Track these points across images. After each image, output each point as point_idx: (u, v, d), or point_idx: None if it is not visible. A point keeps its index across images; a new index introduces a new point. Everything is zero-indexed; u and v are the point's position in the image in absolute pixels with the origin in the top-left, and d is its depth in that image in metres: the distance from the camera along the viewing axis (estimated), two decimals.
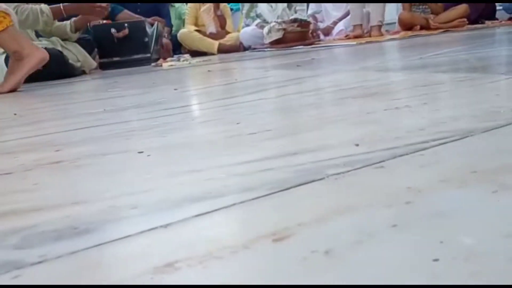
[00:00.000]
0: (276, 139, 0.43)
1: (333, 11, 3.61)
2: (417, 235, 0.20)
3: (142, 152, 0.42)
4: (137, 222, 0.26)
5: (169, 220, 0.25)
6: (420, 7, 3.13)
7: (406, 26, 3.04)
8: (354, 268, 0.18)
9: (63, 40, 2.27)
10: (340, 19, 3.51)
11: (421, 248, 0.19)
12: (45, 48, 2.06)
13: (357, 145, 0.36)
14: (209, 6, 3.39)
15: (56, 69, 1.99)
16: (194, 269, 0.20)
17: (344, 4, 3.53)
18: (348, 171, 0.30)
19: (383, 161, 0.32)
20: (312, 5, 3.78)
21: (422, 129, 0.40)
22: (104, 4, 2.24)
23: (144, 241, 0.23)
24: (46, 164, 0.42)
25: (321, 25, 3.57)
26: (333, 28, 3.53)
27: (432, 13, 3.09)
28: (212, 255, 0.21)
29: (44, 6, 2.09)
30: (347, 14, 3.46)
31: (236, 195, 0.28)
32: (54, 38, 2.25)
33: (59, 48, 2.15)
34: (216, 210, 0.26)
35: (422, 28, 2.99)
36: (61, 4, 2.16)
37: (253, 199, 0.27)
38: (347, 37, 3.03)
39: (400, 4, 3.28)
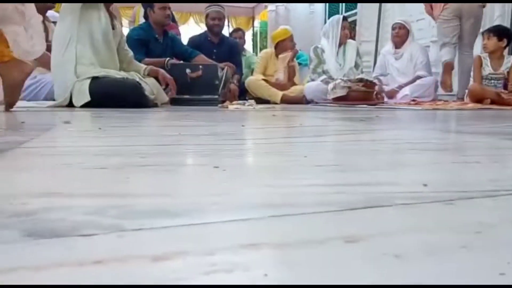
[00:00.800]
0: (344, 172, 0.45)
1: (399, 76, 3.63)
2: (485, 256, 0.21)
3: (217, 167, 0.46)
4: (219, 214, 0.29)
5: (248, 216, 0.28)
6: (492, 81, 3.07)
7: (476, 98, 2.97)
8: (423, 271, 0.20)
9: None
10: (406, 85, 3.51)
11: (489, 265, 0.20)
12: (126, 79, 2.28)
13: (425, 185, 0.38)
14: (287, 55, 3.57)
15: (132, 99, 2.17)
16: (273, 252, 0.22)
17: (411, 70, 3.55)
18: (417, 203, 0.32)
19: (453, 200, 0.33)
20: (378, 68, 3.84)
21: (493, 180, 0.40)
22: (173, 88, 2.61)
23: (228, 227, 0.26)
24: (134, 166, 0.47)
25: (386, 88, 3.59)
26: (398, 92, 3.54)
27: (505, 88, 3.00)
28: (288, 245, 0.23)
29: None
30: (413, 80, 3.47)
31: (308, 207, 0.30)
32: (133, 72, 2.48)
33: (137, 80, 2.35)
34: (290, 214, 0.29)
35: (492, 102, 2.90)
36: (147, 67, 2.58)
37: (324, 211, 0.29)
38: (414, 103, 3.02)
39: (471, 77, 3.24)
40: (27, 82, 2.41)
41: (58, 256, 0.21)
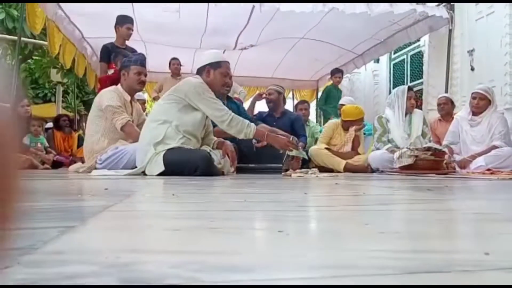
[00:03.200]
0: (404, 239, 0.46)
1: (473, 145, 3.44)
2: None
3: (281, 231, 0.49)
4: (284, 272, 0.32)
5: (309, 276, 0.31)
6: None
7: None
8: None
9: None
10: (480, 154, 3.29)
11: None
12: (197, 149, 2.44)
13: (487, 254, 0.38)
14: (354, 127, 3.62)
15: (202, 168, 2.30)
16: None
17: (488, 140, 3.35)
18: (476, 270, 0.32)
19: None
20: (449, 134, 3.65)
21: None
22: (294, 142, 2.52)
23: (291, 283, 0.29)
24: (205, 228, 0.52)
25: (457, 157, 3.40)
26: (470, 161, 3.33)
27: None
28: None
29: (252, 125, 2.45)
30: (488, 150, 3.26)
31: (366, 269, 0.32)
32: (205, 145, 2.64)
33: (208, 151, 2.50)
34: (348, 275, 0.31)
35: None
36: (266, 132, 2.50)
37: (382, 274, 0.31)
38: (490, 172, 2.84)
39: None
40: (109, 152, 2.69)
41: None
